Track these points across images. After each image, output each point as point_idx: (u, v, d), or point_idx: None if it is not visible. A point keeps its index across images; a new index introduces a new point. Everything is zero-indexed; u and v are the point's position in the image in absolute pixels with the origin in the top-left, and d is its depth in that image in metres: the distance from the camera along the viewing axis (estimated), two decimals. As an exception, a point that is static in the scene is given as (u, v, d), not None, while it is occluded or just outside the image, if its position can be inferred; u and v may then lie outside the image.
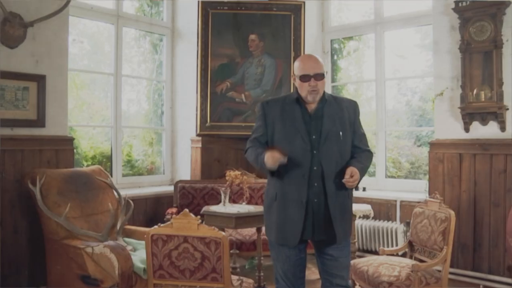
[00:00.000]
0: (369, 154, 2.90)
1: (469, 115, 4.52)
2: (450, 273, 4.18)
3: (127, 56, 5.72)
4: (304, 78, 2.73)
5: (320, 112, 2.78)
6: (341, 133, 2.76)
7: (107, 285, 3.45)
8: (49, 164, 4.32)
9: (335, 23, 6.14)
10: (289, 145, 2.72)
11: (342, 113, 2.82)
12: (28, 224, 4.15)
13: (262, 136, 2.84)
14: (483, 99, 4.37)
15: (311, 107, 2.80)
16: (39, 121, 4.29)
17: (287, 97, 2.89)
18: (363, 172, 2.77)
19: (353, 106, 2.90)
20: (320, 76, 2.73)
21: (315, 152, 2.71)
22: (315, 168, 2.70)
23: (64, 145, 4.48)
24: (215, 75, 5.52)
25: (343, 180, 2.65)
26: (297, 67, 2.79)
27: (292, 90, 5.44)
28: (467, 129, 4.57)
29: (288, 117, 2.78)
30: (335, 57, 6.18)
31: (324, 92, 2.82)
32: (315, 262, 3.07)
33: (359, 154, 2.83)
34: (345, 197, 2.80)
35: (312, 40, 5.94)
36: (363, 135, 2.93)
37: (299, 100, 2.80)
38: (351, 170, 2.64)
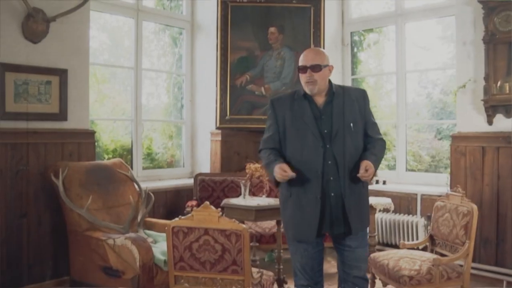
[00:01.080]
0: (382, 143, 2.88)
1: (493, 108, 4.43)
2: (473, 268, 4.12)
3: (147, 50, 5.75)
4: (301, 69, 2.75)
5: (329, 105, 2.77)
6: (352, 124, 2.74)
7: (128, 276, 3.50)
8: (71, 157, 4.38)
9: (355, 15, 6.07)
10: (300, 142, 2.72)
11: (352, 103, 2.79)
12: (51, 216, 4.23)
13: (274, 134, 2.83)
14: (507, 91, 4.28)
15: (320, 101, 2.78)
16: (61, 115, 4.35)
17: (296, 93, 2.87)
18: (377, 164, 2.76)
19: (362, 95, 2.88)
20: (317, 68, 2.71)
21: (328, 146, 2.70)
22: (329, 162, 2.69)
23: (85, 138, 4.54)
24: (234, 68, 5.52)
25: (358, 175, 2.64)
26: (300, 59, 2.80)
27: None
28: (490, 122, 4.49)
29: (298, 113, 2.77)
30: (355, 49, 6.12)
31: (331, 84, 2.81)
32: (333, 255, 3.07)
33: (372, 144, 2.81)
34: (360, 189, 2.78)
35: (332, 33, 5.89)
36: (375, 123, 2.90)
37: (307, 95, 2.79)
38: (366, 164, 2.63)
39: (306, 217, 2.73)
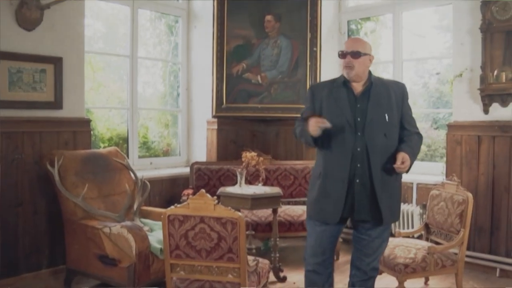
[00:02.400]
0: (419, 137, 2.92)
1: (489, 97, 4.43)
2: (467, 256, 4.16)
3: (143, 38, 5.71)
4: (341, 55, 2.82)
5: (367, 94, 2.81)
6: (386, 115, 2.78)
7: (124, 264, 3.51)
8: (66, 145, 4.37)
9: (352, 4, 6.04)
10: (335, 127, 2.74)
11: (389, 95, 2.84)
12: (47, 204, 4.23)
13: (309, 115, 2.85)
14: (503, 80, 4.28)
15: (358, 89, 2.83)
16: (57, 103, 4.33)
17: (336, 80, 2.92)
18: (414, 157, 2.80)
19: (401, 89, 2.92)
20: (356, 54, 2.78)
21: (359, 134, 2.74)
22: (358, 149, 2.74)
23: (81, 127, 4.52)
24: (230, 56, 5.49)
25: (394, 166, 2.68)
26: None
27: (308, 72, 5.42)
28: (486, 111, 4.49)
29: (335, 98, 2.82)
30: (352, 38, 6.10)
31: (370, 74, 2.86)
32: (345, 249, 3.10)
33: (408, 137, 2.85)
34: (392, 180, 2.82)
35: (329, 21, 5.86)
36: (412, 118, 2.96)
37: (346, 83, 2.84)
38: (402, 156, 2.68)
39: (330, 198, 2.77)
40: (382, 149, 2.75)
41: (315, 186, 2.87)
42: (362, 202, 2.75)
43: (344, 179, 2.73)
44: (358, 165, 2.73)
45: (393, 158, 2.72)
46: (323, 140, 2.77)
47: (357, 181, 2.74)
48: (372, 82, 2.83)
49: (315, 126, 2.63)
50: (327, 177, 2.80)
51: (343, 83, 2.84)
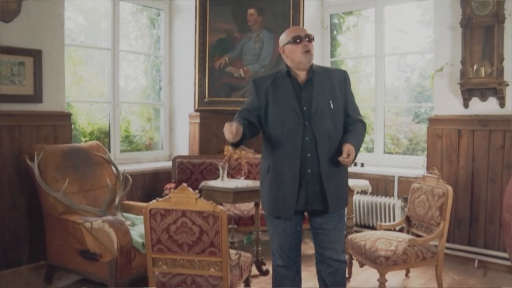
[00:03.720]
0: (363, 125, 2.90)
1: (469, 91, 4.49)
2: (447, 248, 4.22)
3: (125, 32, 5.65)
4: (297, 39, 2.75)
5: (310, 83, 2.79)
6: (331, 102, 2.76)
7: (106, 259, 3.48)
8: (46, 140, 4.31)
9: (335, -2, 6.05)
10: (281, 118, 2.74)
11: (332, 83, 2.82)
12: (26, 200, 4.17)
13: (251, 108, 2.80)
14: (483, 75, 4.34)
15: (301, 78, 2.80)
16: (36, 97, 4.27)
17: (278, 72, 2.89)
18: (359, 147, 2.78)
19: (343, 75, 2.90)
20: (311, 38, 2.77)
21: (306, 123, 2.72)
22: (307, 138, 2.72)
23: (61, 121, 4.47)
24: (213, 50, 5.47)
25: (339, 159, 2.66)
26: (286, 35, 2.82)
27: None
28: (466, 105, 4.55)
29: (279, 90, 2.79)
30: (334, 32, 6.10)
31: (312, 63, 2.82)
32: (311, 237, 3.10)
33: (353, 126, 2.83)
34: (339, 168, 2.79)
35: (311, 15, 5.86)
36: (355, 105, 2.93)
37: (290, 73, 2.81)
38: (348, 149, 2.65)
39: (283, 193, 2.74)
40: (329, 137, 2.74)
41: (265, 181, 2.83)
42: (315, 192, 2.73)
43: (296, 171, 2.70)
44: (308, 154, 2.71)
45: (339, 149, 2.70)
46: (268, 135, 2.76)
47: (309, 171, 2.72)
48: (314, 71, 2.81)
49: (229, 133, 2.50)
50: (278, 170, 2.75)
51: (286, 73, 2.81)
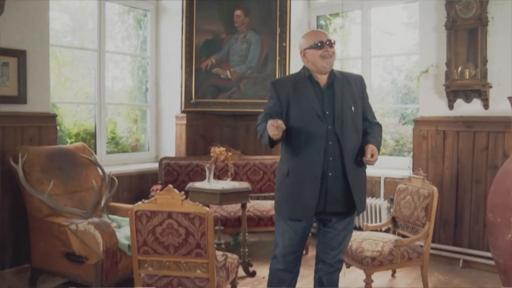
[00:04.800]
0: (380, 128, 2.98)
1: (453, 93, 4.54)
2: (432, 248, 4.26)
3: (111, 33, 5.61)
4: (319, 45, 2.75)
5: (331, 88, 2.81)
6: (353, 107, 2.80)
7: (91, 262, 3.45)
8: (31, 141, 4.26)
9: None
10: (303, 121, 2.74)
11: (351, 87, 2.85)
12: (11, 202, 4.11)
13: (274, 111, 2.79)
14: (467, 77, 4.39)
15: (323, 82, 2.82)
16: (20, 98, 4.22)
17: (298, 75, 2.90)
18: (379, 148, 2.84)
19: (359, 80, 2.94)
20: (332, 43, 2.80)
21: (329, 127, 2.73)
22: (330, 143, 2.73)
23: (46, 122, 4.42)
24: (200, 51, 5.45)
25: (364, 160, 2.70)
26: (306, 39, 2.82)
27: (277, 67, 5.42)
28: (451, 107, 4.60)
29: (301, 94, 2.79)
30: (321, 34, 6.12)
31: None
32: (313, 243, 3.12)
33: (371, 129, 2.88)
34: (362, 171, 2.86)
35: (298, 17, 5.88)
36: (371, 108, 2.99)
37: (311, 77, 2.81)
38: (372, 149, 2.70)
39: (304, 196, 2.74)
40: (353, 140, 2.76)
41: (284, 184, 2.82)
42: (336, 195, 2.74)
43: (318, 175, 2.70)
44: (331, 158, 2.72)
45: (361, 150, 2.75)
46: (289, 139, 2.75)
47: (330, 174, 2.72)
48: (335, 75, 2.84)
49: (274, 129, 2.54)
50: (299, 174, 2.75)
51: (308, 77, 2.82)
